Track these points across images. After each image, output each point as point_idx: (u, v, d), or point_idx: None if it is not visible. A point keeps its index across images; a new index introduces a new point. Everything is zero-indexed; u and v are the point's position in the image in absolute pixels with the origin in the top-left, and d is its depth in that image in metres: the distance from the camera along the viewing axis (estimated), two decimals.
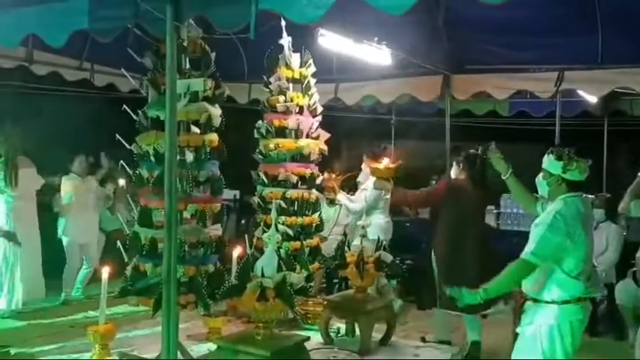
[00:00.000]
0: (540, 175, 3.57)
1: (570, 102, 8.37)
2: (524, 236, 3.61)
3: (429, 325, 6.06)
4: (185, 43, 4.52)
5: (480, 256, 5.36)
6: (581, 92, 7.03)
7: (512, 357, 3.50)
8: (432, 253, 5.74)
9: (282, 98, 5.53)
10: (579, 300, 3.36)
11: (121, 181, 7.12)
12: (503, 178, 4.00)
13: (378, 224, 6.70)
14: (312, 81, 5.69)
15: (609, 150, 9.49)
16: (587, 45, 6.09)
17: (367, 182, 6.75)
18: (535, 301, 3.41)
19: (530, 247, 3.34)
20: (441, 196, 5.75)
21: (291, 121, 5.50)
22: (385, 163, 5.73)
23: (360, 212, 6.61)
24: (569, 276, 3.32)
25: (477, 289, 3.43)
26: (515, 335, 3.52)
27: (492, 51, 6.70)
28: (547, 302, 3.36)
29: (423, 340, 5.78)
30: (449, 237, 5.59)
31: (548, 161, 3.47)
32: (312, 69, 5.66)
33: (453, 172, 5.86)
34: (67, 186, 7.07)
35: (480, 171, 5.53)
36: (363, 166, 6.92)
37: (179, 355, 3.92)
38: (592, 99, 7.66)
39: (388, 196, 6.49)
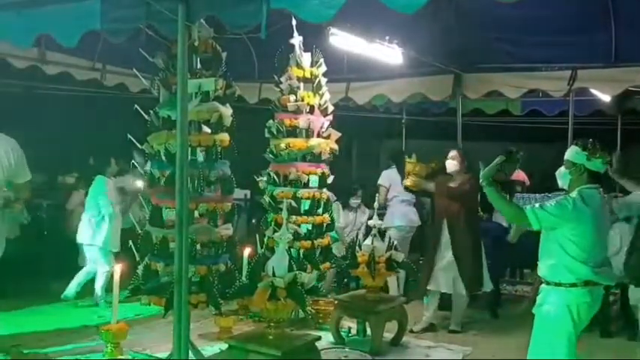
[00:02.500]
0: (562, 167, 3.76)
1: (583, 101, 8.32)
2: (536, 235, 3.69)
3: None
4: (196, 43, 4.52)
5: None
6: (594, 91, 6.97)
7: (531, 339, 3.73)
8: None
9: (292, 97, 5.52)
10: (587, 284, 3.54)
11: (138, 182, 6.96)
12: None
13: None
14: (323, 80, 5.68)
15: (623, 149, 9.39)
16: (600, 43, 6.05)
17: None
18: (547, 283, 3.64)
19: (535, 206, 3.57)
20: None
21: (302, 121, 5.49)
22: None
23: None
24: (575, 260, 3.52)
25: None
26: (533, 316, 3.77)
27: (504, 50, 6.67)
28: (557, 285, 3.57)
29: (411, 331, 5.90)
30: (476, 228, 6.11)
31: (573, 152, 3.67)
32: (323, 68, 5.65)
33: (453, 167, 6.06)
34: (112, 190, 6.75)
35: (472, 164, 5.97)
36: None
37: (190, 355, 3.93)
38: (605, 98, 7.60)
39: None
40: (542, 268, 3.68)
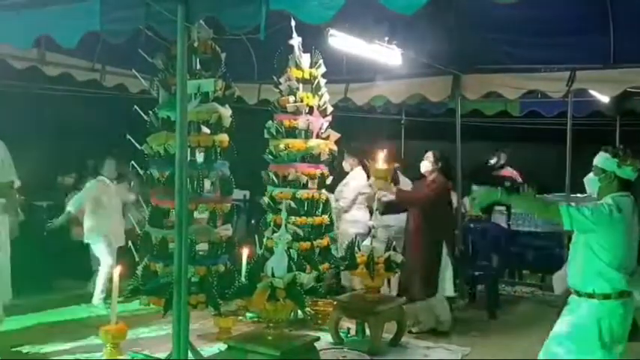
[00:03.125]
0: (590, 173, 3.66)
1: (582, 102, 8.31)
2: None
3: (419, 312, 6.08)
4: (196, 44, 4.53)
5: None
6: (593, 92, 6.98)
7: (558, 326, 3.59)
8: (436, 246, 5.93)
9: (292, 98, 5.53)
10: (621, 295, 3.42)
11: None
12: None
13: (354, 219, 7.00)
14: (322, 81, 5.69)
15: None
16: (599, 44, 6.06)
17: (347, 178, 7.19)
18: (578, 294, 3.50)
19: (572, 205, 3.46)
20: (438, 195, 5.99)
21: (301, 122, 5.50)
22: (382, 163, 5.82)
23: (343, 207, 7.01)
24: (609, 267, 3.40)
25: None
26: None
27: (503, 51, 6.68)
28: (589, 295, 3.44)
29: (410, 332, 5.88)
30: (445, 229, 6.11)
31: (603, 158, 3.57)
32: (322, 69, 5.66)
33: (426, 167, 6.09)
34: (93, 189, 6.75)
35: (450, 168, 6.27)
36: (345, 162, 7.22)
37: (190, 355, 3.93)
38: (604, 99, 7.60)
39: (367, 191, 6.79)
40: (573, 277, 3.55)
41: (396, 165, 6.31)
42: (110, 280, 6.44)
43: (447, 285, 5.95)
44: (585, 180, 3.76)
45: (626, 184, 3.55)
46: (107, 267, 6.60)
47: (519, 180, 8.35)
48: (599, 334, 3.38)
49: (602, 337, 3.38)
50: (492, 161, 8.72)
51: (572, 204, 3.48)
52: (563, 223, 3.44)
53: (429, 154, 6.13)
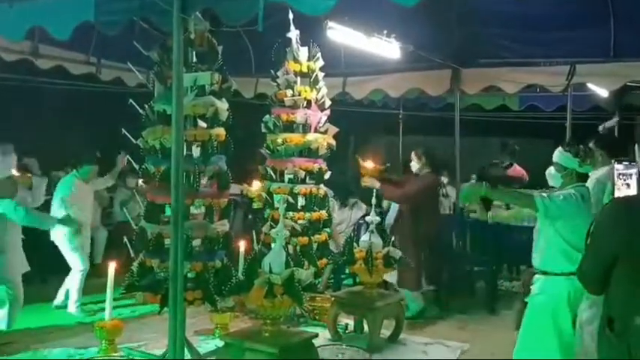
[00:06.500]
0: (552, 168, 3.87)
1: (581, 96, 8.29)
2: (530, 231, 3.76)
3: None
4: (192, 37, 4.47)
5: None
6: (592, 86, 6.96)
7: (523, 327, 3.74)
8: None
9: (289, 92, 5.48)
10: None
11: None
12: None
13: None
14: (320, 74, 5.63)
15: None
16: (599, 38, 6.04)
17: None
18: (544, 274, 3.69)
19: (544, 196, 3.66)
20: (417, 191, 6.18)
21: (299, 115, 5.45)
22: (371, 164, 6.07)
23: None
24: (574, 249, 3.54)
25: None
26: (525, 305, 3.78)
27: (503, 45, 6.65)
28: (556, 274, 3.62)
29: None
30: (431, 223, 6.28)
31: (564, 157, 3.77)
32: (320, 62, 5.61)
33: (414, 167, 6.29)
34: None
35: (438, 164, 6.45)
36: None
37: (186, 352, 3.89)
38: (603, 93, 7.58)
39: None
40: (539, 259, 3.74)
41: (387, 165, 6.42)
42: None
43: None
44: (547, 174, 3.99)
45: (585, 177, 3.85)
46: (83, 270, 6.25)
47: (526, 179, 8.25)
48: (569, 307, 3.56)
49: (572, 310, 3.55)
50: (504, 163, 8.34)
51: (544, 194, 3.67)
52: (539, 211, 3.63)
53: (412, 155, 6.31)
